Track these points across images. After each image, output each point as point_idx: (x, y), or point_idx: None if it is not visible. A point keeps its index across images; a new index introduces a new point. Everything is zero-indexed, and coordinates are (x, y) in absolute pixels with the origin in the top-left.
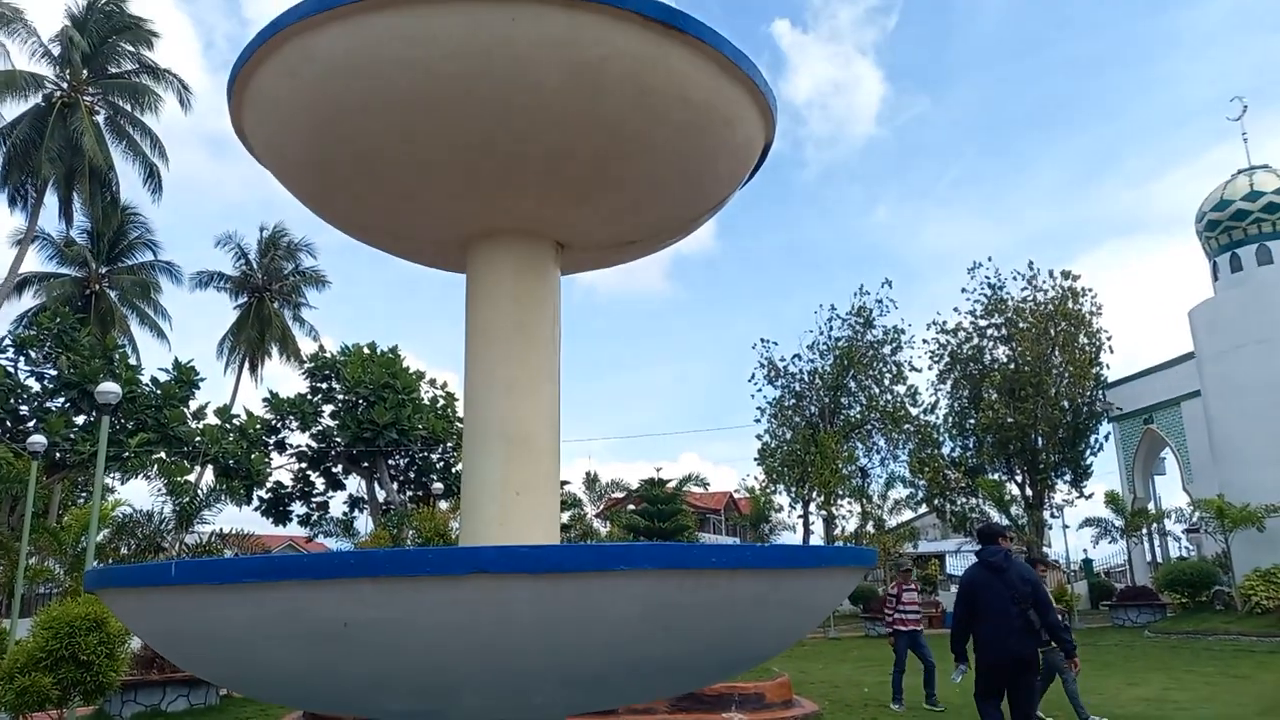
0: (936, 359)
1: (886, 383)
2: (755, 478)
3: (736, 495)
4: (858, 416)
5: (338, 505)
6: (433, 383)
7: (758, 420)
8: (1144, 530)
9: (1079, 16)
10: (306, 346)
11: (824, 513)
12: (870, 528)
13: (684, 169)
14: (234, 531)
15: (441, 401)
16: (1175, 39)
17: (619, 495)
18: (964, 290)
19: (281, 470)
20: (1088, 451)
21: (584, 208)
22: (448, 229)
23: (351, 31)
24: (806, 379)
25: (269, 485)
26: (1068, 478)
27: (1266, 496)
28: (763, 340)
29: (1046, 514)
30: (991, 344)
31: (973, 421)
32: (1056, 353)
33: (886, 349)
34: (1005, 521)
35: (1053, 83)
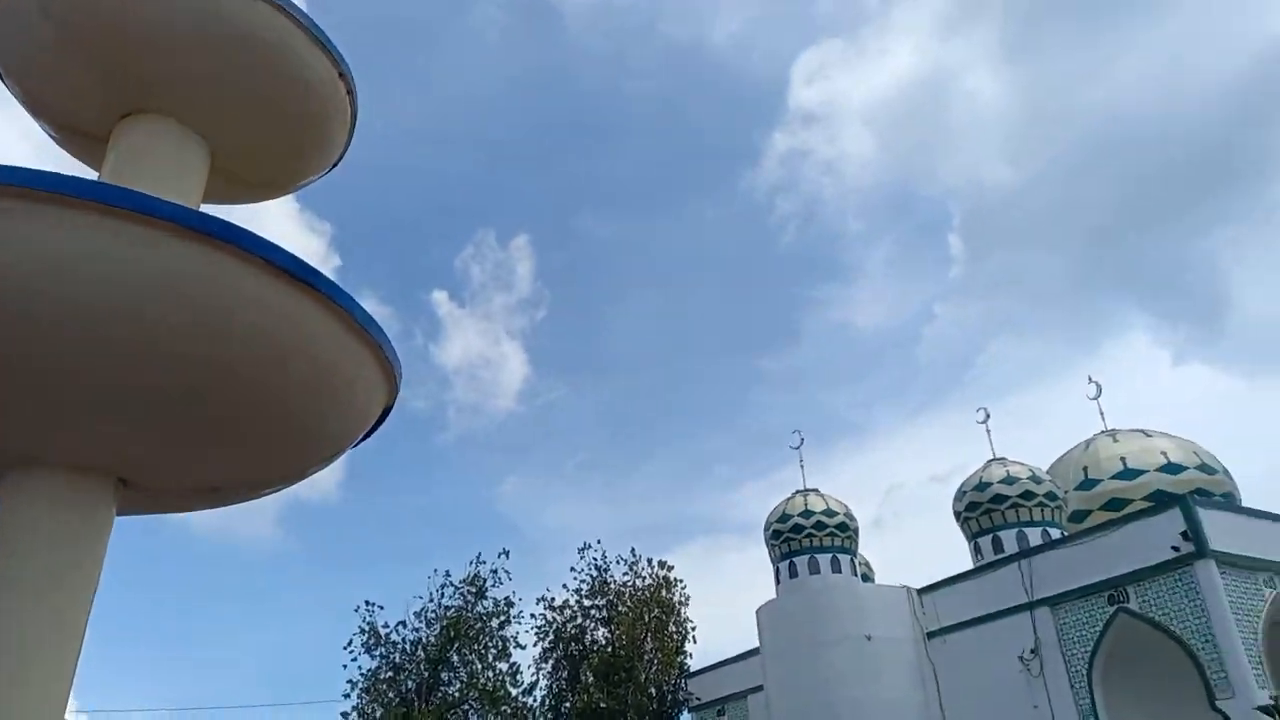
0: (542, 635)
1: (490, 658)
2: None
3: None
4: (456, 695)
5: None
6: None
7: (346, 695)
8: None
9: (693, 341)
10: None
11: None
12: None
13: (291, 422)
14: None
15: None
16: (752, 377)
17: None
18: (573, 569)
19: None
20: None
21: (159, 447)
22: None
23: None
24: (409, 649)
25: None
26: None
27: None
28: (367, 603)
29: None
30: (594, 625)
31: (569, 705)
32: (649, 639)
33: (495, 622)
34: None
35: (665, 392)
